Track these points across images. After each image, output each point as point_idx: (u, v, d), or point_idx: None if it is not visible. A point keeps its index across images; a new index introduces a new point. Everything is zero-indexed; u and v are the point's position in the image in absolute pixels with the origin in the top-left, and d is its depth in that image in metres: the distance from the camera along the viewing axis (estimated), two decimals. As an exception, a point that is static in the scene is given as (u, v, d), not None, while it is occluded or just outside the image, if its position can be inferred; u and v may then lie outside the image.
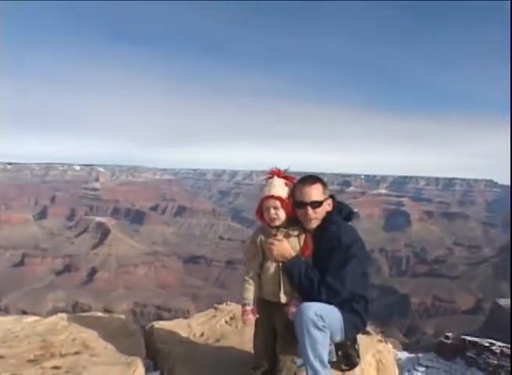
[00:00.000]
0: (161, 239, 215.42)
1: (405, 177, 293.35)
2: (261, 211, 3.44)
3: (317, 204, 3.35)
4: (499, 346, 57.96)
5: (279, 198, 3.34)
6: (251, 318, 3.39)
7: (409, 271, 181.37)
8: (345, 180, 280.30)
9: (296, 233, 3.40)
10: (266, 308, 3.42)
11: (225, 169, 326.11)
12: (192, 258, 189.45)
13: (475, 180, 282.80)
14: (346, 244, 3.25)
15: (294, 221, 3.43)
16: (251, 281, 3.44)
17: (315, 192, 3.36)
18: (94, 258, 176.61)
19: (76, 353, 3.80)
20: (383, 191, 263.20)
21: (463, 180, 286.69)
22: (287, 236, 3.39)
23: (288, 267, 3.27)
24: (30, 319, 4.71)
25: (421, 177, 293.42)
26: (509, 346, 56.57)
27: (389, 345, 4.07)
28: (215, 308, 5.13)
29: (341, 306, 3.28)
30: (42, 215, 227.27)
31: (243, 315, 3.42)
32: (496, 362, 56.56)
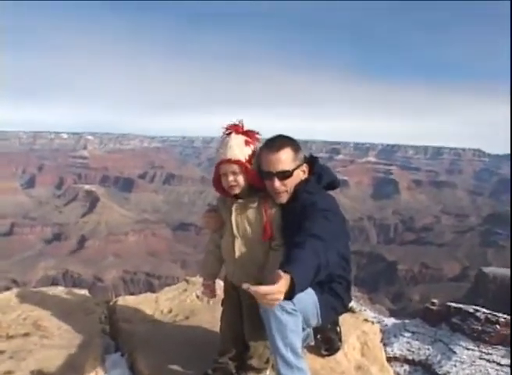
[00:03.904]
0: (151, 207, 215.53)
1: (394, 146, 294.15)
2: (219, 178, 2.76)
3: (286, 174, 2.61)
4: (484, 313, 59.25)
5: (237, 162, 2.63)
6: (206, 296, 3.10)
7: (397, 239, 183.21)
8: (334, 148, 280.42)
9: (255, 204, 2.71)
10: (233, 286, 2.87)
11: (213, 136, 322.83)
12: (181, 226, 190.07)
13: (463, 149, 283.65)
14: (322, 208, 2.50)
15: (258, 189, 2.72)
16: (211, 254, 2.99)
17: (284, 159, 2.60)
18: (84, 226, 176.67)
19: (26, 334, 3.41)
20: (372, 159, 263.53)
21: (451, 149, 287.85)
22: (244, 209, 2.71)
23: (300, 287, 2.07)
24: (-18, 295, 4.30)
25: (410, 146, 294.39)
26: (493, 313, 57.86)
27: (376, 326, 3.67)
28: (187, 281, 4.72)
29: (320, 287, 2.68)
30: (30, 184, 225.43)
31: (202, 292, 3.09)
32: (480, 327, 57.89)
